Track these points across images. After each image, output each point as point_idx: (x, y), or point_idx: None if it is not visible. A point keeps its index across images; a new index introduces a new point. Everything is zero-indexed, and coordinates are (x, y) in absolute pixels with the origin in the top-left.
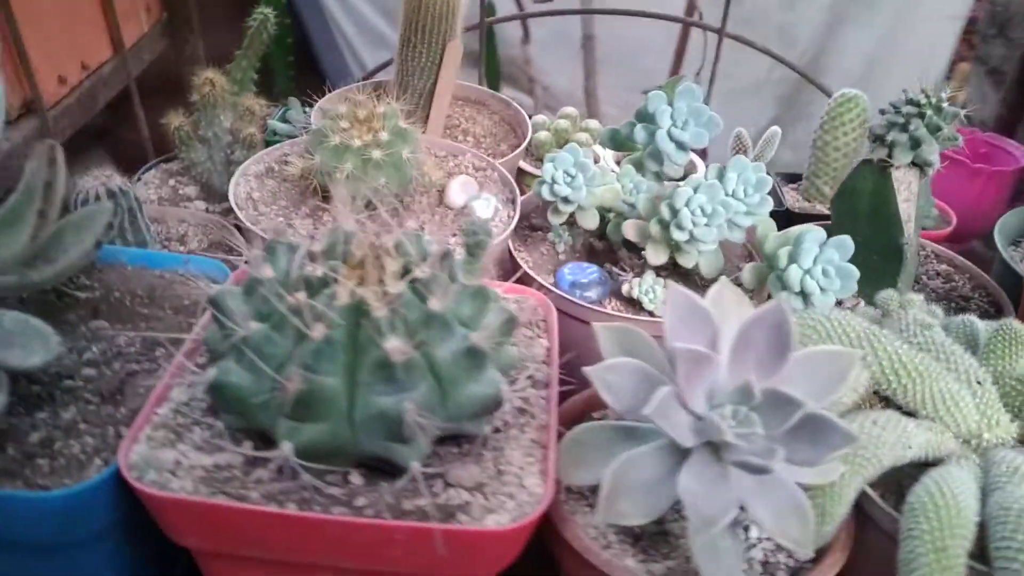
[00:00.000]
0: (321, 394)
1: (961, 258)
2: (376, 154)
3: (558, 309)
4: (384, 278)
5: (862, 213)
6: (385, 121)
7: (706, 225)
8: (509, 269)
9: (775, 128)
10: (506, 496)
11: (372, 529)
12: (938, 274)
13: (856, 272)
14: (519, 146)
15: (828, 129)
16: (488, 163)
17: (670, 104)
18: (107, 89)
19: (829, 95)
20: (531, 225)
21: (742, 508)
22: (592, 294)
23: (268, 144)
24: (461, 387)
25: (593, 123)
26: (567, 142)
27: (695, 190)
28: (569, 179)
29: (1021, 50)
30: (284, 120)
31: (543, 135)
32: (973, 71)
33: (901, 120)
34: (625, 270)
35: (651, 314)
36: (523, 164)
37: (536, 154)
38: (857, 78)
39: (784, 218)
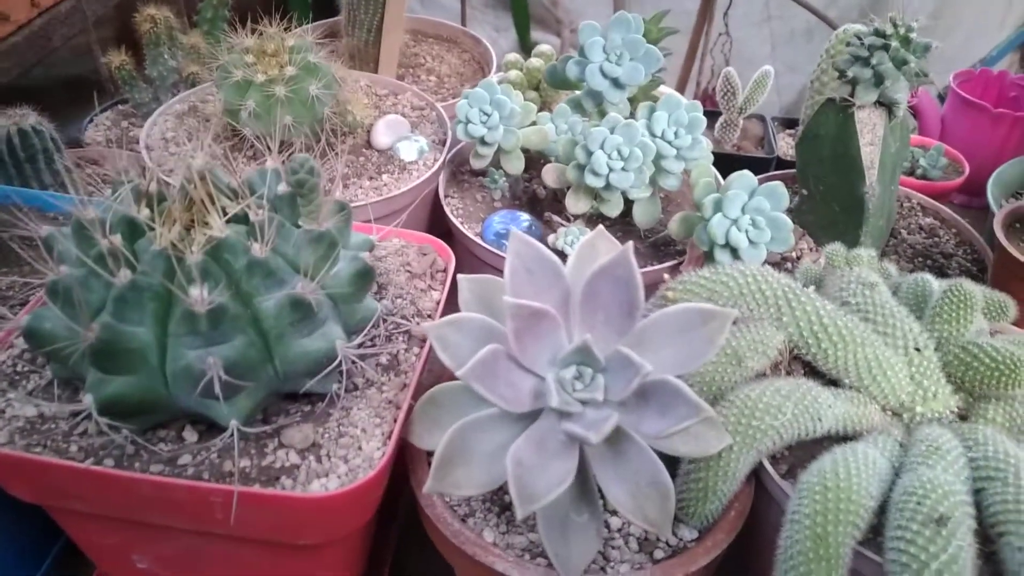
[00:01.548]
0: (125, 344)
1: (948, 211)
2: (279, 90)
3: (481, 260)
4: (211, 220)
5: (826, 159)
6: (293, 55)
7: (623, 170)
8: (442, 219)
9: (767, 68)
10: (340, 459)
11: (184, 490)
12: (921, 228)
13: (789, 223)
14: None
15: (825, 68)
16: (427, 102)
17: (603, 36)
18: (64, 28)
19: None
20: (472, 170)
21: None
22: None
23: None
24: (288, 342)
25: (545, 47)
26: (540, 83)
27: (612, 130)
28: (485, 117)
29: None
30: None
31: (513, 75)
32: None
33: (864, 54)
34: (569, 220)
35: None
36: None
37: None
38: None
39: (773, 165)
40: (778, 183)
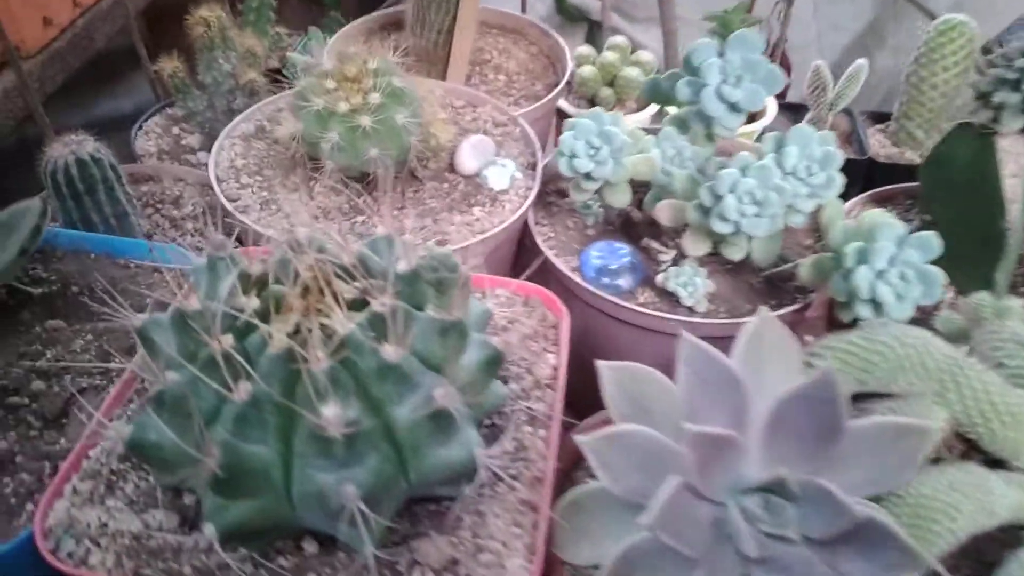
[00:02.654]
0: (248, 466)
1: None
2: (364, 121)
3: (580, 299)
4: (331, 313)
5: (957, 186)
6: (377, 79)
7: (756, 216)
8: (529, 247)
9: (861, 62)
10: None
11: None
12: None
13: (940, 277)
14: (557, 85)
15: (925, 63)
16: (510, 118)
17: (720, 55)
18: (106, 25)
19: (933, 17)
20: (559, 190)
21: None
22: (623, 282)
23: (283, 82)
24: (424, 453)
25: (645, 55)
26: (614, 78)
27: (743, 171)
28: (592, 151)
29: None
30: (306, 53)
31: (587, 71)
32: None
33: (1013, 76)
34: (667, 245)
35: (690, 310)
36: (564, 104)
37: (579, 92)
38: None
39: (866, 168)
40: (930, 234)
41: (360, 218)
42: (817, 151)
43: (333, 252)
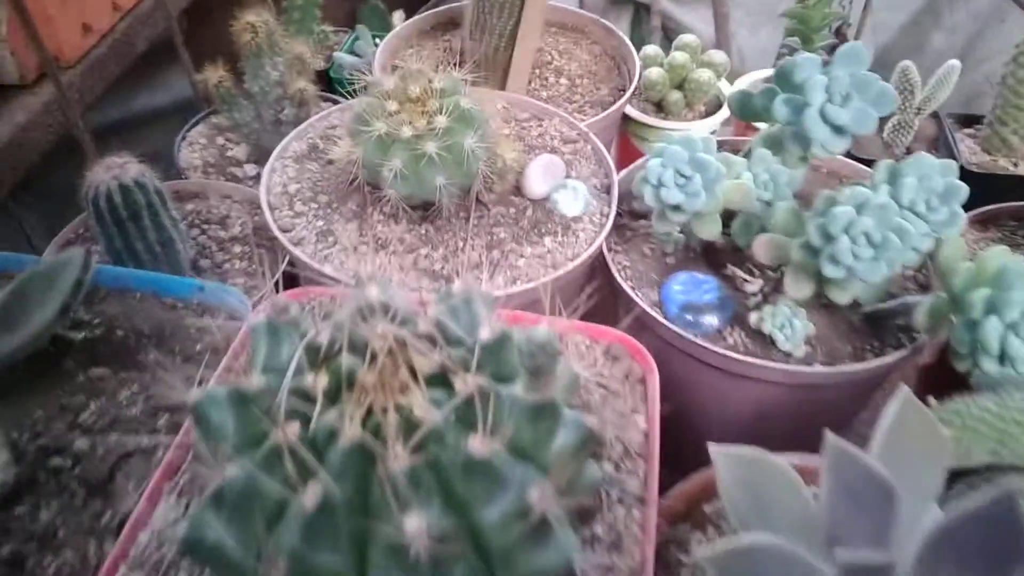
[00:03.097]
0: None
1: None
2: (431, 147)
3: (661, 338)
4: (409, 393)
5: None
6: (443, 100)
7: (873, 259)
8: (601, 280)
9: (953, 62)
10: None
11: None
12: None
13: None
14: (623, 90)
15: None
16: (580, 133)
17: (826, 73)
18: (147, 29)
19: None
20: (632, 211)
21: None
22: (709, 321)
23: (331, 85)
24: (517, 562)
25: (718, 56)
26: (684, 81)
27: (859, 209)
28: (683, 181)
29: None
30: (352, 52)
31: (655, 73)
32: None
33: None
34: (753, 273)
35: (787, 355)
36: (630, 108)
37: (646, 96)
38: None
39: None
40: None
41: (424, 250)
42: (938, 183)
43: (405, 312)
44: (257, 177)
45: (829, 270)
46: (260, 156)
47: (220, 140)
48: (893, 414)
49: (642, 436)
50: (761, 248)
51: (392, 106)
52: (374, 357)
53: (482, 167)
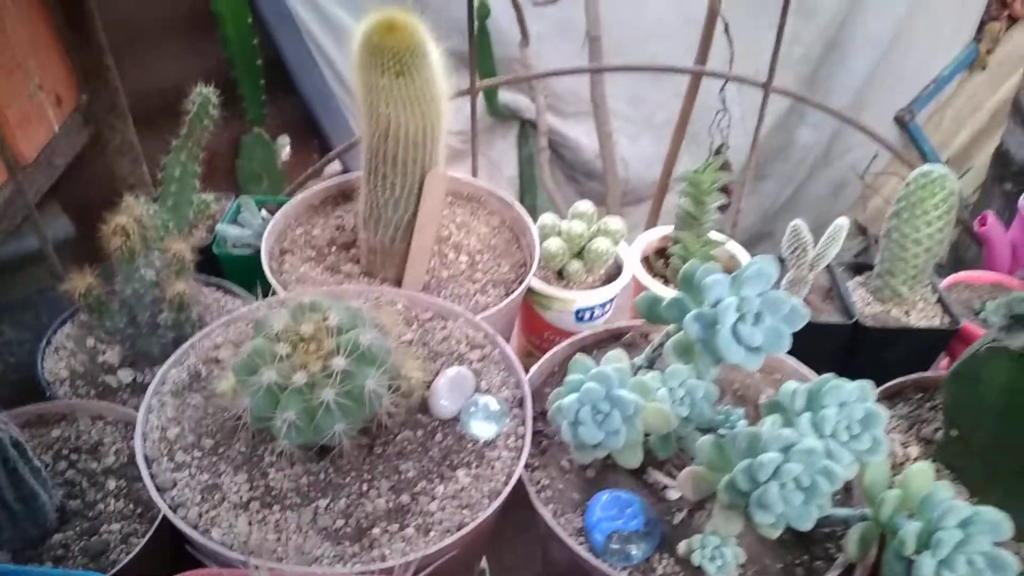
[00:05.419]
0: None
1: None
2: (328, 394)
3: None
4: None
5: (991, 409)
6: (340, 337)
7: (803, 504)
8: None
9: (841, 220)
10: None
11: None
12: None
13: (1014, 565)
14: (524, 265)
15: (907, 219)
16: (487, 336)
17: (736, 293)
18: (3, 221)
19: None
20: (544, 412)
21: None
22: (638, 550)
23: (215, 260)
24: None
25: (614, 223)
26: (583, 250)
27: (785, 452)
28: (601, 417)
29: None
30: (235, 222)
31: (554, 245)
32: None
33: None
34: (673, 475)
35: None
36: (532, 280)
37: (547, 266)
38: (886, 43)
39: (851, 334)
40: (999, 516)
41: (323, 502)
42: (858, 410)
43: None
44: (134, 384)
45: (760, 516)
46: (136, 359)
47: (90, 342)
48: None
49: None
50: (686, 484)
51: (283, 349)
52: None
53: (386, 403)
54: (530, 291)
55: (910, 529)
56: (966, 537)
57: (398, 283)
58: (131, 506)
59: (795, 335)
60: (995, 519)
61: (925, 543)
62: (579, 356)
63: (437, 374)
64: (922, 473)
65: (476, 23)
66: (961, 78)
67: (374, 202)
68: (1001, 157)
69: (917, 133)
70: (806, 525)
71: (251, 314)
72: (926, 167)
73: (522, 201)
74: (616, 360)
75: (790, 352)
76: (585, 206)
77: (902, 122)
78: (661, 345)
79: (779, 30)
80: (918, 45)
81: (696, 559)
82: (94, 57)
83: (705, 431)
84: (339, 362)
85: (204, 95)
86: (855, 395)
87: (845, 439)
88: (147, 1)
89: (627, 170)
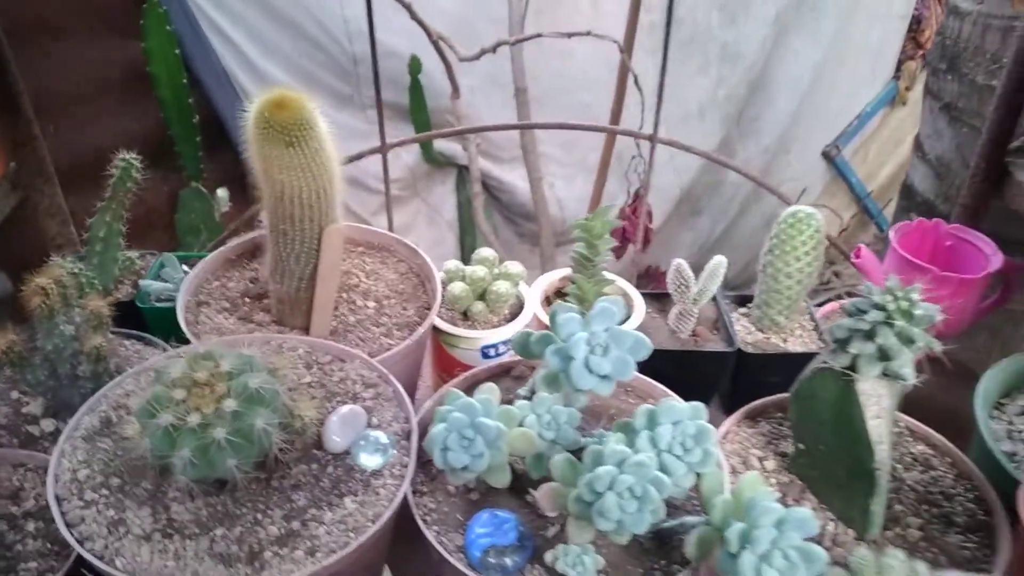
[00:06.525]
0: None
1: (940, 436)
2: (219, 433)
3: None
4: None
5: (827, 423)
6: (231, 382)
7: (638, 511)
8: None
9: (719, 258)
10: None
11: None
12: (915, 459)
13: (823, 556)
14: (429, 308)
15: (779, 254)
16: (380, 375)
17: (586, 329)
18: None
19: (789, 203)
20: None
21: None
22: (510, 561)
23: (139, 313)
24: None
25: (514, 267)
26: (485, 292)
27: (619, 466)
28: (467, 443)
29: (973, 86)
30: (159, 277)
31: (458, 288)
32: (926, 105)
33: (865, 327)
34: None
35: None
36: (439, 321)
37: (452, 308)
38: (807, 84)
39: (735, 360)
40: (807, 513)
41: (220, 531)
42: (690, 427)
43: None
44: (56, 433)
45: (601, 523)
46: (58, 409)
47: (14, 394)
48: None
49: None
50: (545, 498)
51: (179, 394)
52: None
53: (276, 439)
54: (439, 331)
55: (734, 530)
56: (780, 534)
57: (306, 330)
58: (48, 544)
59: (685, 362)
60: (804, 517)
61: (746, 541)
62: (451, 390)
63: (331, 412)
64: (752, 482)
65: (409, 78)
66: (884, 114)
67: (278, 256)
68: (907, 190)
69: (844, 167)
70: (642, 529)
71: (159, 364)
72: (793, 208)
73: (462, 243)
74: (488, 392)
75: (680, 376)
76: (487, 252)
77: (829, 156)
78: None
79: (659, 88)
80: (839, 85)
81: (560, 567)
82: (21, 129)
83: (575, 452)
84: (230, 403)
85: (127, 160)
86: (688, 414)
87: (680, 453)
88: (84, 65)
89: (563, 210)
